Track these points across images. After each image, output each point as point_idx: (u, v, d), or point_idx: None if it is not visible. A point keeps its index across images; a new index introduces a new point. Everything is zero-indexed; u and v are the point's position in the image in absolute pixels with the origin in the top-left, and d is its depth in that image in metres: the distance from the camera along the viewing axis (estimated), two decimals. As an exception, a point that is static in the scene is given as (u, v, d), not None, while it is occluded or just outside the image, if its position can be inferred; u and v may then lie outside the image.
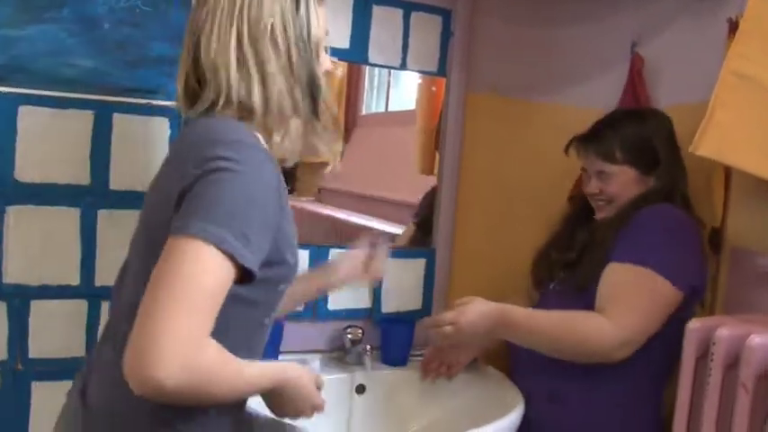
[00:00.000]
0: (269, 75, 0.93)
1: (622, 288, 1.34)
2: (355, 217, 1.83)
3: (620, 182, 1.46)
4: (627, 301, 1.32)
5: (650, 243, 1.35)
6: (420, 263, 1.83)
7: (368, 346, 1.61)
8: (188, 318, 0.76)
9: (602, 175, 1.49)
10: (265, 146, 0.95)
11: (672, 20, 1.65)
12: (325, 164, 1.56)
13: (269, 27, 0.93)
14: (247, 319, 0.94)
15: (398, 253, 1.79)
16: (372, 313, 1.77)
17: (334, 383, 1.55)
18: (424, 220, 1.89)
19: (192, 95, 0.97)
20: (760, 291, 1.36)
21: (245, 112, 0.94)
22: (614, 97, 1.71)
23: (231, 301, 0.83)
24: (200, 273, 0.78)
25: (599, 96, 1.74)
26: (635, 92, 1.68)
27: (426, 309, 1.85)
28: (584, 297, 1.38)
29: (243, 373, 0.88)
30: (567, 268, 1.50)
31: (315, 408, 1.05)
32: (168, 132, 1.50)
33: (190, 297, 0.77)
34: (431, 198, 1.88)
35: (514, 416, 1.40)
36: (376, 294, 1.76)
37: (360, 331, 1.66)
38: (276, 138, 0.97)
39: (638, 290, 1.32)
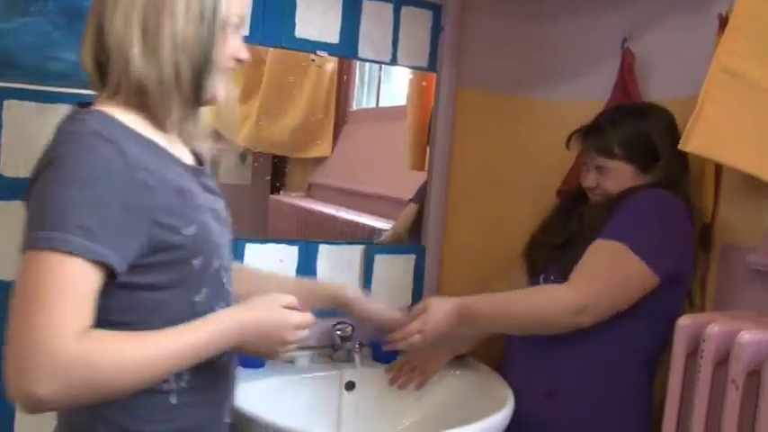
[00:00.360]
0: (162, 47, 0.90)
1: (592, 259, 1.35)
2: (345, 213, 1.82)
3: (617, 177, 1.46)
4: (590, 271, 1.33)
5: (634, 222, 1.35)
6: (410, 259, 1.82)
7: (357, 343, 1.59)
8: (42, 319, 0.77)
9: (600, 170, 1.49)
10: (143, 130, 0.92)
11: (663, 16, 1.65)
12: (316, 159, 1.57)
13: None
14: (168, 303, 0.92)
15: (388, 249, 1.79)
16: None
17: (323, 381, 1.55)
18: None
19: (100, 74, 0.94)
20: (750, 287, 1.36)
21: (138, 92, 0.91)
22: (605, 93, 1.70)
23: (132, 290, 0.86)
24: (43, 281, 0.79)
25: (590, 92, 1.74)
26: (625, 87, 1.68)
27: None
28: None
29: (159, 347, 0.85)
30: (557, 255, 1.50)
31: (293, 338, 0.99)
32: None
33: (37, 301, 0.78)
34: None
35: (505, 412, 1.40)
36: (366, 291, 1.72)
37: (349, 328, 1.63)
38: (161, 115, 0.93)
39: (605, 261, 1.33)
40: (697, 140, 1.29)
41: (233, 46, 0.98)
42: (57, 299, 0.78)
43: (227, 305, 0.99)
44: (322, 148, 1.77)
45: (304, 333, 1.01)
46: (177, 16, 0.89)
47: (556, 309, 1.31)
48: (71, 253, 0.79)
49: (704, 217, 1.47)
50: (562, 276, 1.40)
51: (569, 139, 1.54)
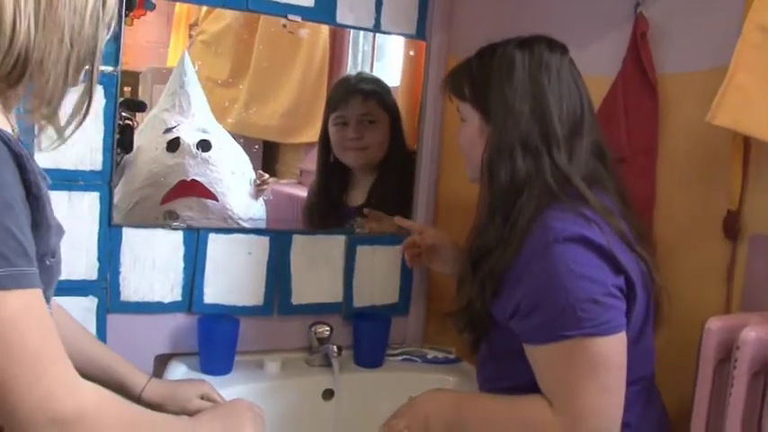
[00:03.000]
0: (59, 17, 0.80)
1: (550, 376, 1.09)
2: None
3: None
4: (560, 391, 1.07)
5: (552, 303, 1.05)
6: (396, 251, 1.71)
7: (336, 347, 1.54)
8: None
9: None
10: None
11: (681, -26, 1.55)
12: (308, 144, 1.55)
13: None
14: None
15: (371, 239, 1.72)
16: (343, 308, 1.69)
17: (297, 389, 1.51)
18: None
19: None
20: (785, 283, 1.25)
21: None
22: (615, 64, 1.58)
23: None
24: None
25: (598, 63, 1.61)
26: (638, 58, 1.55)
27: (404, 302, 1.77)
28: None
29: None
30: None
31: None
32: (103, 102, 1.40)
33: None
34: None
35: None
36: (346, 286, 1.68)
37: (327, 329, 1.59)
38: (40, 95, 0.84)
39: (566, 370, 1.06)
40: (727, 113, 1.17)
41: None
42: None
43: None
44: (313, 133, 1.74)
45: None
46: None
47: None
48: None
49: (730, 203, 1.33)
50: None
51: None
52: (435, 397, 1.23)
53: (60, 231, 0.87)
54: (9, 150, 0.74)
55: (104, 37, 0.87)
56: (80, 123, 0.87)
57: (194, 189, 1.58)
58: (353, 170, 1.77)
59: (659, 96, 1.47)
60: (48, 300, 0.85)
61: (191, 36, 1.59)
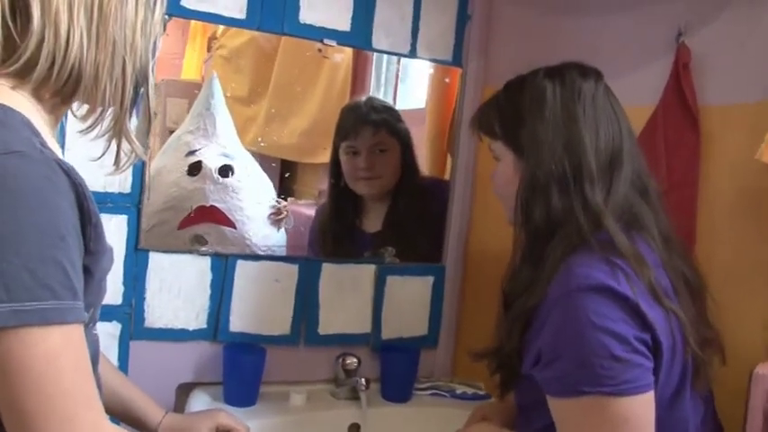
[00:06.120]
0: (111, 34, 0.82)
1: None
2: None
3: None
4: None
5: (572, 355, 1.00)
6: (427, 281, 1.72)
7: (364, 379, 1.51)
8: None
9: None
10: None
11: (724, 5, 1.51)
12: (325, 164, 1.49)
13: None
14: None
15: (401, 269, 1.69)
16: (371, 339, 1.67)
17: (323, 423, 1.48)
18: None
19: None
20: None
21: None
22: (655, 95, 1.57)
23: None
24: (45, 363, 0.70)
25: (637, 93, 1.58)
26: (680, 88, 1.53)
27: (433, 334, 1.74)
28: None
29: None
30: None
31: None
32: (134, 122, 1.39)
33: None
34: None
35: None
36: (375, 317, 1.66)
37: (355, 360, 1.57)
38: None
39: (592, 428, 1.01)
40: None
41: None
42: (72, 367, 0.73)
43: None
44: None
45: None
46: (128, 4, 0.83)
47: None
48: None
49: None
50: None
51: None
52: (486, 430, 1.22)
53: (112, 254, 0.87)
54: (69, 180, 0.74)
55: (155, 51, 0.88)
56: (146, 144, 0.90)
57: (213, 215, 1.57)
58: (365, 197, 1.75)
59: (701, 128, 1.44)
60: (95, 321, 0.87)
61: (209, 50, 1.57)
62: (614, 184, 1.09)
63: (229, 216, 1.58)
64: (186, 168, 1.55)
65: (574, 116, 1.10)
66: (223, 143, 1.59)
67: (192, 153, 1.57)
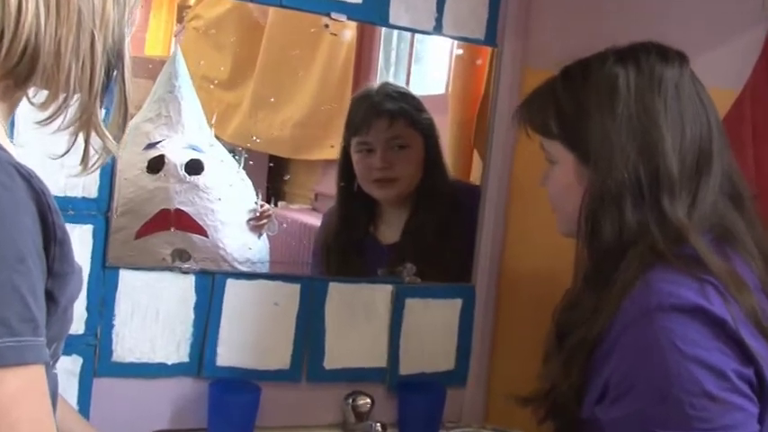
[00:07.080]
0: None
1: None
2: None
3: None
4: None
5: (642, 388, 0.92)
6: (453, 305, 1.60)
7: (378, 425, 1.44)
8: None
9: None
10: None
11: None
12: (325, 162, 1.44)
13: None
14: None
15: (423, 291, 1.56)
16: (387, 375, 1.56)
17: None
18: None
19: None
20: None
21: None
22: (738, 77, 1.44)
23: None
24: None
25: (715, 76, 1.42)
26: (770, 71, 1.46)
27: (461, 369, 1.62)
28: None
29: None
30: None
31: None
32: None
33: None
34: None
35: None
36: (392, 348, 1.54)
37: (368, 401, 1.47)
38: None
39: None
40: None
41: None
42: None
43: None
44: (332, 150, 1.63)
45: None
46: None
47: None
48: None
49: None
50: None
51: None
52: None
53: (81, 276, 0.82)
54: (30, 188, 0.68)
55: (130, 26, 0.83)
56: (120, 139, 0.82)
57: (178, 221, 1.47)
58: (381, 202, 1.64)
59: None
60: (57, 358, 0.83)
61: (180, 21, 1.47)
62: (701, 192, 0.99)
63: (199, 221, 1.49)
64: (146, 164, 1.47)
65: (653, 112, 1.00)
66: (190, 134, 1.49)
67: (152, 146, 1.50)
